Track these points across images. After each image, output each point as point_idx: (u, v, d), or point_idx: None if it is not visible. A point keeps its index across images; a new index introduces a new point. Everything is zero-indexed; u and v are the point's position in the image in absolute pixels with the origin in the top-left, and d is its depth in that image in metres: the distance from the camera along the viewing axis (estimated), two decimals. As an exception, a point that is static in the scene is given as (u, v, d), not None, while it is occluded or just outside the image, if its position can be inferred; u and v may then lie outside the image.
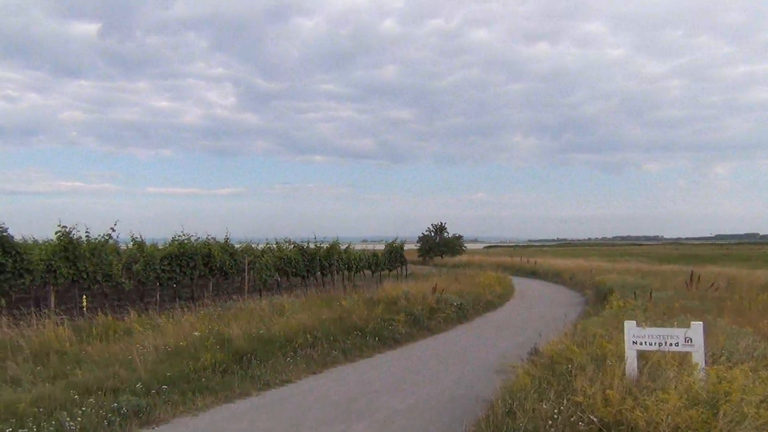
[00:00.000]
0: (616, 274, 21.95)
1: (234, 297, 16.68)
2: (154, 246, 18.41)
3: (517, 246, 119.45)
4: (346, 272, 25.14)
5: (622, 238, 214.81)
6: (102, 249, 14.64)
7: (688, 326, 5.48)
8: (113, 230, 15.15)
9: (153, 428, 6.01)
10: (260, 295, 17.09)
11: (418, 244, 52.33)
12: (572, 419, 4.69)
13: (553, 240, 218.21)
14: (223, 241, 21.03)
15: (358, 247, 28.37)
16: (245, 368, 8.07)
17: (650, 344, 5.50)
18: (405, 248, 30.84)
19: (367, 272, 27.48)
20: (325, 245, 23.07)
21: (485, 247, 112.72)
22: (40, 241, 18.91)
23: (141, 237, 18.54)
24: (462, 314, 14.63)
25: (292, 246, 22.00)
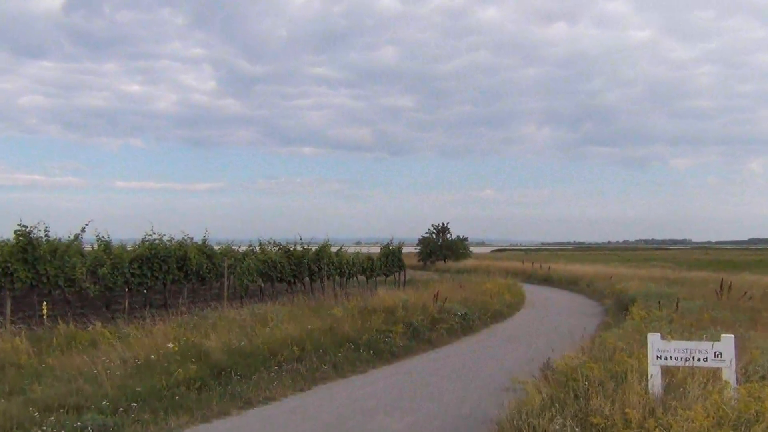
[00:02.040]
0: (639, 282, 22.00)
1: (212, 305, 16.66)
2: (123, 247, 18.37)
3: (528, 250, 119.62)
4: (337, 278, 25.12)
5: (646, 241, 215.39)
6: (65, 250, 14.61)
7: (718, 340, 5.52)
8: (83, 231, 15.16)
9: (121, 450, 6.02)
10: (241, 303, 17.06)
11: (418, 247, 52.38)
12: (589, 442, 4.72)
13: (569, 243, 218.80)
14: (200, 242, 20.99)
15: (351, 249, 28.35)
16: (224, 384, 8.07)
17: (676, 359, 5.53)
18: (403, 251, 30.83)
19: (361, 278, 27.47)
20: (314, 247, 23.05)
21: (493, 251, 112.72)
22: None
23: (108, 237, 18.48)
24: (467, 325, 14.64)
25: (277, 248, 21.97)
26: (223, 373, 8.36)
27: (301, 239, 22.38)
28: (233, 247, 25.04)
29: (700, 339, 6.63)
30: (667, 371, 5.69)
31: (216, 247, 22.87)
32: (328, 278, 23.72)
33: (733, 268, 38.13)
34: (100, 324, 11.35)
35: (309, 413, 7.41)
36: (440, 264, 48.74)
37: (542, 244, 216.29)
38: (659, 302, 13.82)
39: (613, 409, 5.04)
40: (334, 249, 24.83)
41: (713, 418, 4.51)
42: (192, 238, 20.42)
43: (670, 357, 5.55)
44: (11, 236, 13.94)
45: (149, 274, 17.05)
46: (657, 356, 5.58)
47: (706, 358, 5.44)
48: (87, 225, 15.19)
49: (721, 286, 15.25)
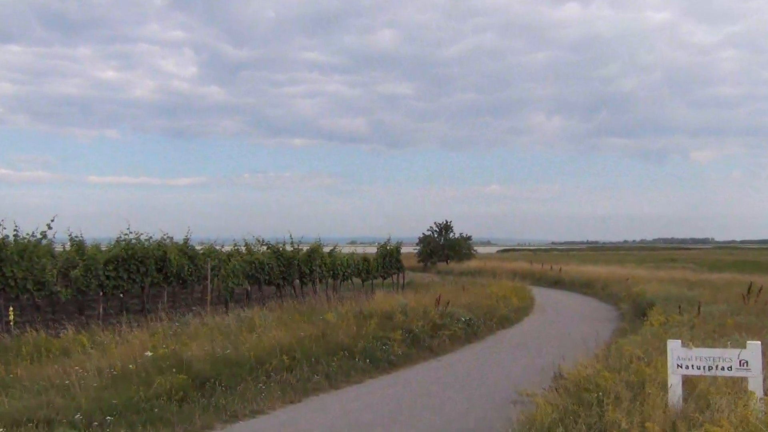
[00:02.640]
0: (657, 284, 22.06)
1: (194, 310, 16.66)
2: (97, 247, 18.34)
3: (538, 250, 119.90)
4: (330, 280, 25.13)
5: (665, 240, 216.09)
6: (33, 251, 14.56)
7: (744, 347, 5.53)
8: (50, 227, 15.07)
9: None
10: (226, 308, 17.07)
11: (418, 247, 52.43)
12: (604, 458, 4.73)
13: (582, 243, 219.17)
14: (181, 241, 20.96)
15: (346, 249, 28.37)
16: (208, 396, 8.07)
17: (698, 368, 5.55)
18: (402, 251, 30.86)
19: (356, 280, 27.49)
20: (305, 247, 23.06)
21: (499, 251, 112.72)
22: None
23: (81, 236, 18.47)
24: (471, 332, 14.68)
25: (266, 248, 21.97)
26: (206, 383, 8.36)
27: (291, 238, 22.40)
28: (217, 247, 24.99)
29: (725, 346, 6.66)
30: (688, 381, 5.70)
31: (198, 247, 22.83)
32: (321, 281, 23.73)
33: (759, 269, 38.27)
34: (72, 331, 11.34)
35: (300, 427, 7.41)
36: (442, 265, 48.79)
37: (552, 243, 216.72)
38: (679, 306, 13.86)
39: (631, 422, 5.05)
40: (326, 249, 24.83)
41: (739, 431, 4.52)
42: (172, 238, 20.39)
43: (692, 366, 5.56)
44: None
45: (126, 277, 17.03)
46: (677, 365, 5.59)
47: (731, 367, 5.46)
48: (53, 221, 15.09)
49: (748, 289, 15.29)
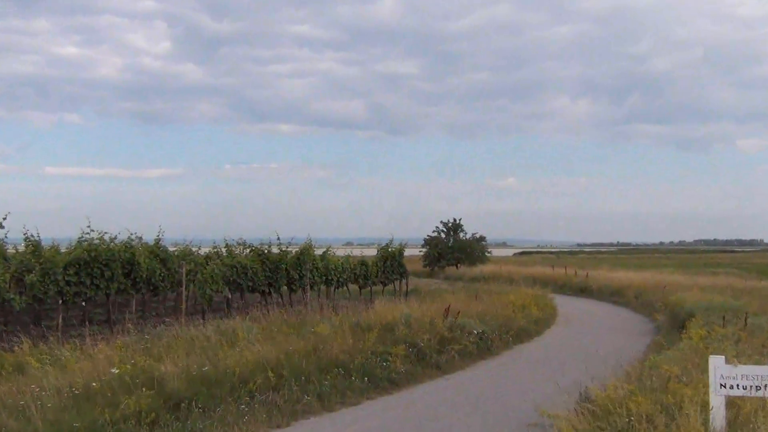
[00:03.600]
0: (699, 292, 22.04)
1: (167, 320, 16.66)
2: (56, 249, 18.33)
3: (561, 252, 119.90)
4: (323, 287, 25.11)
5: (707, 242, 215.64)
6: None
7: (796, 363, 5.54)
8: (1, 226, 15.09)
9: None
10: (203, 318, 17.07)
11: (424, 249, 52.40)
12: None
13: (612, 245, 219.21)
14: (151, 242, 20.95)
15: (341, 252, 28.34)
16: (183, 419, 8.08)
17: (744, 387, 5.56)
18: (406, 254, 30.85)
19: (353, 287, 27.49)
20: (294, 249, 23.06)
21: (517, 254, 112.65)
22: None
23: (37, 236, 18.43)
24: (485, 346, 14.70)
25: (249, 250, 21.97)
26: (181, 405, 8.37)
27: (278, 239, 22.37)
28: (193, 249, 25.00)
29: (774, 363, 6.66)
30: (731, 402, 5.72)
31: (171, 249, 22.81)
32: (312, 287, 23.73)
33: (815, 275, 38.20)
34: (27, 344, 11.34)
35: (288, 455, 7.41)
36: (451, 270, 48.78)
37: (578, 245, 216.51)
38: (723, 318, 13.86)
39: (666, 449, 5.06)
40: (319, 251, 24.81)
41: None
42: (141, 238, 20.39)
43: (737, 385, 5.57)
44: None
45: (88, 283, 17.03)
46: (720, 384, 5.61)
47: (781, 387, 5.46)
48: (5, 218, 15.11)
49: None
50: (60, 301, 16.37)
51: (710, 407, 5.60)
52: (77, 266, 16.86)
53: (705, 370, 5.88)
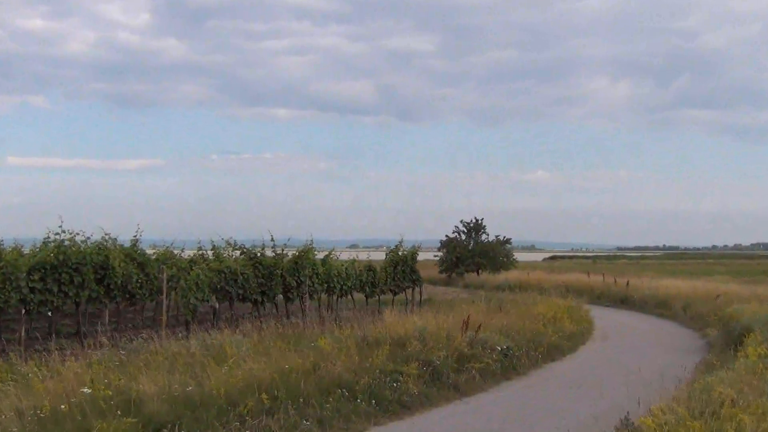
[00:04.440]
0: (757, 304, 21.92)
1: (145, 333, 16.69)
2: (18, 250, 18.45)
3: (598, 257, 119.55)
4: (324, 296, 25.11)
5: (767, 246, 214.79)
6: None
7: None
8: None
9: None
10: (187, 331, 17.12)
11: (440, 253, 52.42)
12: None
13: (657, 248, 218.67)
14: (128, 244, 21.02)
15: (345, 255, 28.37)
16: (163, 446, 8.10)
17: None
18: (419, 258, 30.83)
19: (358, 296, 27.50)
20: (291, 252, 23.09)
21: (547, 259, 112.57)
22: None
23: (-2, 236, 18.57)
24: (510, 364, 14.72)
25: (239, 253, 22.01)
26: (161, 430, 8.37)
27: (273, 241, 22.41)
28: (175, 252, 25.09)
29: None
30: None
31: (150, 252, 22.89)
32: (312, 296, 23.76)
33: None
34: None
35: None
36: (471, 277, 48.77)
37: (618, 249, 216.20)
38: (786, 334, 13.76)
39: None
40: (319, 255, 24.85)
41: None
42: (116, 239, 20.43)
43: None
44: None
45: (56, 290, 17.09)
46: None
47: None
48: None
49: None
50: (23, 311, 16.43)
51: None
52: (43, 271, 16.91)
53: (764, 393, 5.84)
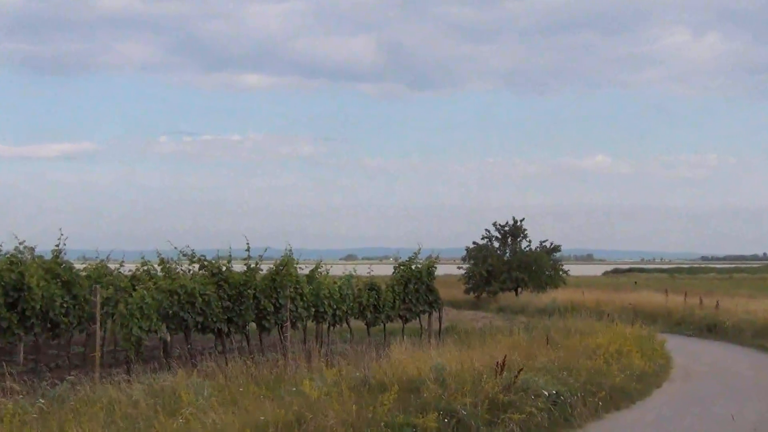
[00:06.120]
0: None
1: (73, 375, 16.69)
2: None
3: (678, 270, 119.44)
4: (311, 323, 25.05)
5: None
6: None
7: None
8: None
9: None
10: (128, 372, 17.10)
11: (466, 266, 52.47)
12: None
13: (756, 258, 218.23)
14: (49, 255, 20.97)
15: (338, 269, 28.30)
16: None
17: None
18: (439, 273, 30.78)
19: (357, 324, 27.47)
20: (267, 266, 23.04)
21: (608, 273, 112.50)
22: None
23: None
24: (560, 415, 14.74)
25: (198, 267, 21.95)
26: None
27: (247, 251, 22.32)
28: (112, 266, 25.05)
29: None
30: None
31: (79, 266, 22.86)
32: (295, 324, 23.73)
33: None
34: None
35: None
36: (508, 297, 48.85)
37: (704, 259, 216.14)
38: None
39: None
40: (305, 269, 24.80)
41: None
42: (34, 249, 20.42)
43: None
44: None
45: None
46: None
47: None
48: None
49: None
50: None
51: None
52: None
53: None
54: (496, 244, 52.67)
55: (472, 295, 50.90)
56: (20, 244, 19.72)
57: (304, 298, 23.93)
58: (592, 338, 21.70)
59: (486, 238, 52.85)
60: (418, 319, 29.34)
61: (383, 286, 27.99)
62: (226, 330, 21.67)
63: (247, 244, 22.13)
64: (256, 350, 21.51)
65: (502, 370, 14.53)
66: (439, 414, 12.48)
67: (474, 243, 52.81)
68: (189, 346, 20.88)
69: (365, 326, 27.39)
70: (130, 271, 25.47)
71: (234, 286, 21.68)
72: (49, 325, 19.91)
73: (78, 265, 22.82)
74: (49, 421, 10.93)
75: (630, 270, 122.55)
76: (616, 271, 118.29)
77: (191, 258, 22.17)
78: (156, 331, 19.44)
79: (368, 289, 27.28)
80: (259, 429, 10.61)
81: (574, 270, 61.21)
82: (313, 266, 25.66)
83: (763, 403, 17.40)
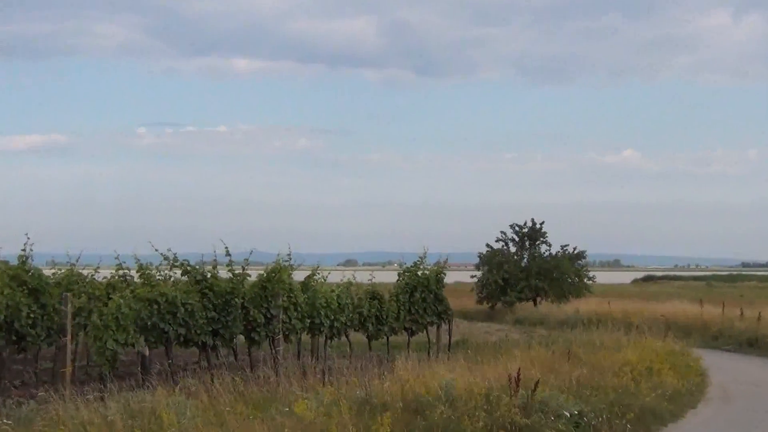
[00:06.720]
0: None
1: (41, 393, 16.66)
2: None
3: (715, 278, 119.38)
4: (306, 336, 25.02)
5: None
6: None
7: None
8: None
9: None
10: (103, 389, 17.07)
11: (479, 273, 52.47)
12: None
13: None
14: (14, 260, 20.94)
15: (336, 276, 28.28)
16: None
17: None
18: (448, 281, 30.78)
19: (358, 337, 27.48)
20: (257, 273, 23.00)
21: (638, 280, 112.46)
22: None
23: None
24: (584, 440, 14.68)
25: (180, 273, 21.93)
26: None
27: (229, 256, 22.31)
28: (85, 272, 25.01)
29: None
30: None
31: (48, 272, 22.82)
32: (288, 337, 23.73)
33: None
34: None
35: None
36: (526, 308, 48.89)
37: (744, 265, 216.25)
38: None
39: None
40: (299, 276, 24.76)
41: None
42: (-3, 251, 20.42)
43: None
44: None
45: None
46: None
47: None
48: None
49: None
50: None
51: None
52: None
53: None
54: (513, 249, 52.71)
55: (485, 305, 50.95)
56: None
57: (299, 308, 23.92)
58: (619, 353, 21.71)
59: (501, 241, 52.91)
60: (425, 331, 29.39)
61: (386, 295, 28.03)
62: (212, 343, 21.63)
63: (226, 248, 22.10)
64: (244, 366, 21.48)
65: (518, 386, 14.51)
66: (448, 438, 12.48)
67: (488, 247, 52.85)
68: (170, 361, 20.87)
69: (366, 339, 27.45)
70: (105, 277, 25.38)
71: (220, 294, 21.64)
72: (14, 338, 19.89)
73: (47, 271, 22.78)
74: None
75: (663, 278, 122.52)
76: (646, 279, 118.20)
77: (172, 263, 22.13)
78: (133, 345, 19.41)
79: (370, 298, 27.32)
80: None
81: (600, 277, 61.18)
82: (309, 272, 25.64)
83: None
